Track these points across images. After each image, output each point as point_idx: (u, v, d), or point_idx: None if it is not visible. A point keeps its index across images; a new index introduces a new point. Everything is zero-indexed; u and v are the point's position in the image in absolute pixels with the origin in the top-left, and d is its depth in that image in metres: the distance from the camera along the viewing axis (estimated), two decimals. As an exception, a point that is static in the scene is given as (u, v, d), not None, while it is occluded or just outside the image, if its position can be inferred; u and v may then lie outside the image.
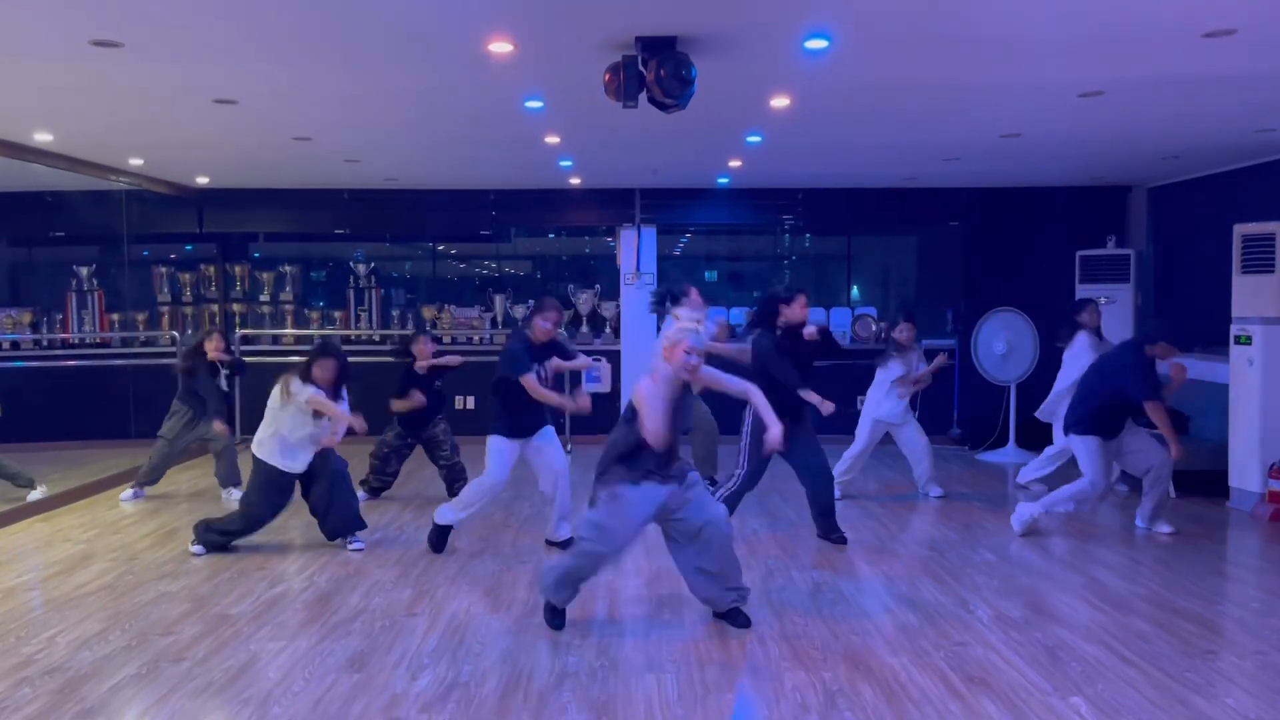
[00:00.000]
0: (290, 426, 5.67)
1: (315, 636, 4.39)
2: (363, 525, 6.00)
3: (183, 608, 4.80)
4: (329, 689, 3.81)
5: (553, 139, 7.02)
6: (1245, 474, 6.85)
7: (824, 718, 3.56)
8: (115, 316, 10.06)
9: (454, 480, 7.01)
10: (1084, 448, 6.09)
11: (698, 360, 4.34)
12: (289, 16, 4.16)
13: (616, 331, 10.11)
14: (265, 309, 10.38)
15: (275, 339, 10.10)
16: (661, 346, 4.43)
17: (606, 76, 4.59)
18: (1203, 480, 7.25)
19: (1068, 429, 6.28)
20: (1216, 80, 5.25)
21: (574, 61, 4.80)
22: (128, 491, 7.28)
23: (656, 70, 4.39)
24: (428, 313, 10.30)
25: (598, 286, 10.39)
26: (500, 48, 4.58)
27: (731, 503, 5.85)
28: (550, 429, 5.84)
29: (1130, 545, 6.00)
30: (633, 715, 3.58)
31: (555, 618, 4.51)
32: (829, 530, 6.08)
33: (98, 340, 9.91)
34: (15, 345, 9.63)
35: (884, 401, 7.16)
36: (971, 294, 9.81)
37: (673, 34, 4.38)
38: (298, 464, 5.74)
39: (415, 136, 6.98)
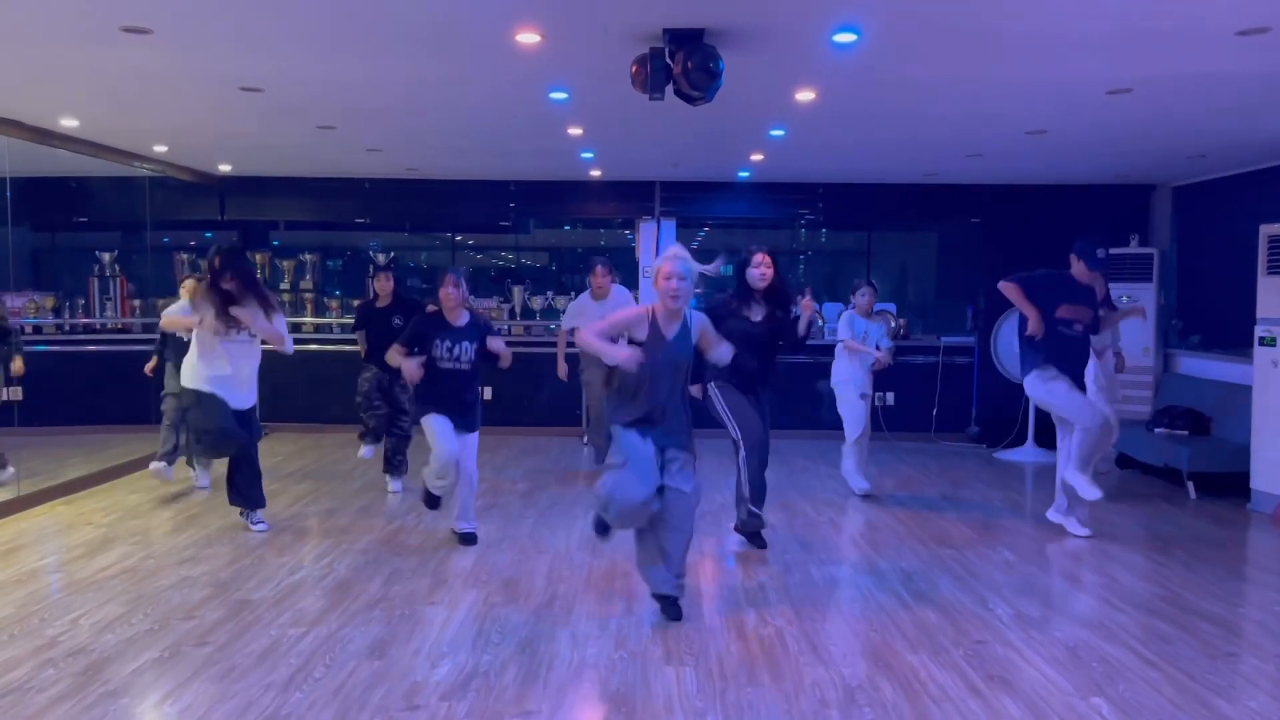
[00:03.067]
0: None
1: (335, 623, 4.42)
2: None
3: (204, 592, 4.84)
4: (350, 676, 3.83)
5: (575, 130, 7.02)
6: (1267, 476, 6.80)
7: (843, 713, 3.56)
8: (137, 302, 10.12)
9: (396, 453, 7.18)
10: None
11: (678, 285, 4.31)
12: (317, 5, 4.16)
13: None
14: (285, 297, 10.40)
15: (294, 327, 10.11)
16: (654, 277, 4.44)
17: (633, 68, 4.57)
18: (1224, 482, 7.22)
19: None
20: (1248, 79, 5.19)
21: (601, 53, 4.79)
22: (203, 478, 7.23)
23: (683, 62, 4.37)
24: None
25: (616, 279, 10.36)
26: (527, 38, 4.57)
27: (755, 479, 5.52)
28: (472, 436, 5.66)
29: (1151, 546, 5.96)
30: (651, 707, 3.59)
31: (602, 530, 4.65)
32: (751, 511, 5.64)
33: (119, 326, 9.98)
34: (38, 329, 9.70)
35: (841, 369, 7.12)
36: (992, 292, 9.67)
37: (700, 26, 4.36)
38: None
39: (439, 127, 6.98)
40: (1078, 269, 6.03)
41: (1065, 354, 5.96)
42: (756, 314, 5.56)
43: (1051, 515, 6.26)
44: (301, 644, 4.16)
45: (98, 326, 9.91)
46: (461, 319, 5.59)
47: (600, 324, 4.47)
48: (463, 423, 5.57)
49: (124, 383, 9.11)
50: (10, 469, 7.06)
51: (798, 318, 5.65)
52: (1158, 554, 5.78)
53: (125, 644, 4.14)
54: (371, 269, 10.32)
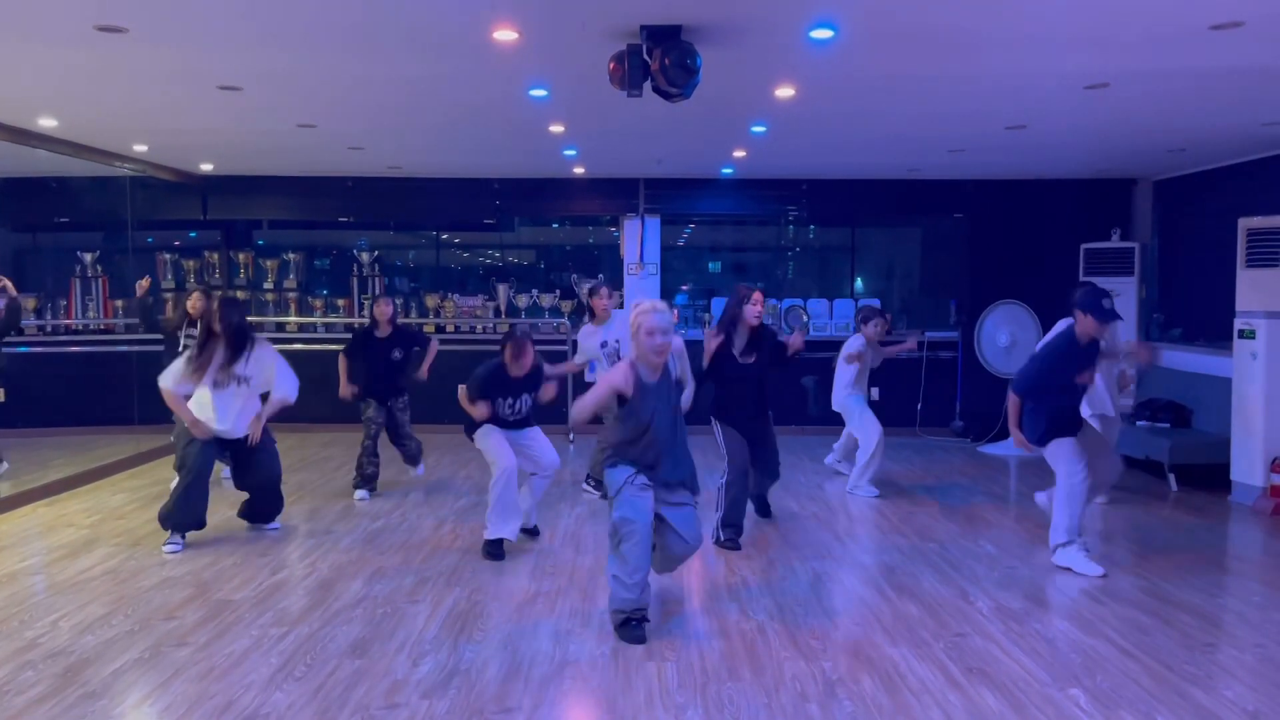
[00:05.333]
0: None
1: (317, 623, 4.41)
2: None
3: (185, 593, 4.82)
4: (330, 675, 3.83)
5: (557, 128, 7.01)
6: (1247, 468, 6.85)
7: (823, 707, 3.57)
8: (119, 303, 10.07)
9: (415, 455, 7.24)
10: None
11: (664, 340, 4.19)
12: (294, 3, 4.15)
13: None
14: (269, 296, 10.38)
15: (279, 326, 10.11)
16: (630, 334, 4.35)
17: (611, 65, 4.58)
18: (1204, 474, 7.27)
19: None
20: (1223, 73, 5.23)
21: (579, 50, 4.79)
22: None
23: (661, 59, 4.38)
24: (430, 301, 10.30)
25: (601, 276, 10.38)
26: (505, 36, 4.57)
27: (735, 496, 5.71)
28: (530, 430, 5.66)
29: (1132, 538, 6.00)
30: (633, 704, 3.60)
31: (635, 630, 4.25)
32: (763, 511, 6.44)
33: (101, 326, 9.93)
34: (19, 331, 9.64)
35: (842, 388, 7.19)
36: (975, 286, 9.80)
37: (678, 23, 4.37)
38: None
39: (419, 124, 6.97)
40: (1085, 324, 5.11)
41: (1065, 416, 5.37)
42: (747, 355, 5.81)
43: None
44: (283, 643, 4.15)
45: (80, 327, 9.87)
46: (525, 370, 5.45)
47: (588, 399, 4.27)
48: (516, 428, 5.58)
49: (106, 384, 9.11)
50: (4, 464, 7.04)
51: (784, 344, 5.93)
52: (1138, 546, 5.81)
53: (105, 645, 4.13)
54: (358, 273, 10.30)
